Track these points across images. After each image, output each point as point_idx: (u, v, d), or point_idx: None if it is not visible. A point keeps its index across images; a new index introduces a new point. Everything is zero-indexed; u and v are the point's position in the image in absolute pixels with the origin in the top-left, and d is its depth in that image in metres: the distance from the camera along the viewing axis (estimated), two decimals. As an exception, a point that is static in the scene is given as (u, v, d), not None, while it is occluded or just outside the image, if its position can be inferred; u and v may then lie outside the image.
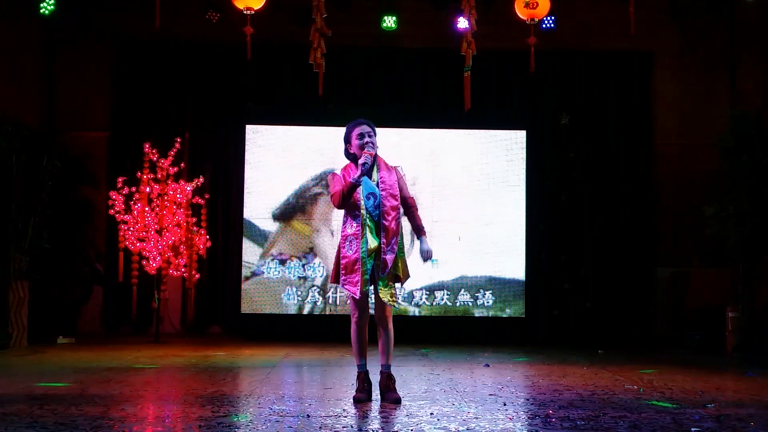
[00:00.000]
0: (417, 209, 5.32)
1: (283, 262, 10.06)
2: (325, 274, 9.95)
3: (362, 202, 5.09)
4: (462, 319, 10.14)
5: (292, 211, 10.17)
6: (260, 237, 10.12)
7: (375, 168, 5.17)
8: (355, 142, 5.16)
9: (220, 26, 10.08)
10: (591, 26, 10.59)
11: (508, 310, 10.15)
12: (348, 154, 5.25)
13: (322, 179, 10.03)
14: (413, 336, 9.42)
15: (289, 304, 10.04)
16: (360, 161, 5.05)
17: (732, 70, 10.64)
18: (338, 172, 5.21)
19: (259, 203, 10.16)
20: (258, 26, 8.39)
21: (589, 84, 10.72)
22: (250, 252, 10.08)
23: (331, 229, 10.01)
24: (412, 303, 10.10)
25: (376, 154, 5.16)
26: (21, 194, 8.97)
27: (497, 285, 10.15)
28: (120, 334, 10.20)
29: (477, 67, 8.15)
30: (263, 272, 10.05)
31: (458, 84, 8.26)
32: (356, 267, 5.04)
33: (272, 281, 10.06)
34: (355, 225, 5.09)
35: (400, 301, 9.81)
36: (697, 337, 9.52)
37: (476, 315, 10.13)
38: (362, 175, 5.04)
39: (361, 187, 5.09)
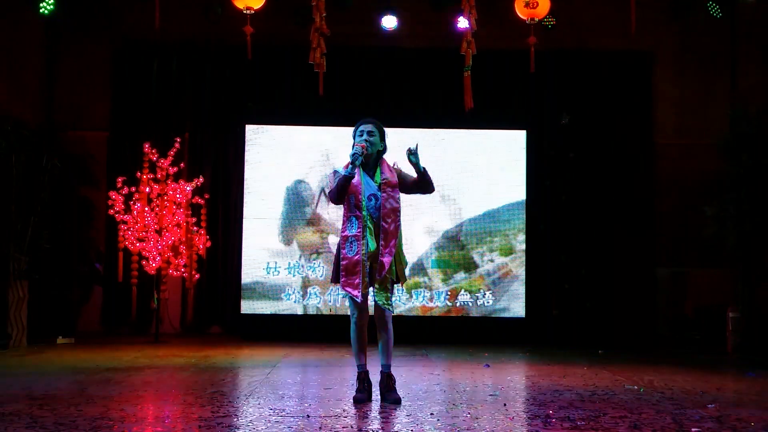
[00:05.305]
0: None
1: (283, 262, 10.05)
2: (325, 275, 9.94)
3: (363, 203, 5.09)
4: (462, 319, 10.14)
5: (293, 210, 10.15)
6: (260, 237, 10.11)
7: (378, 169, 5.18)
8: (356, 139, 5.19)
9: (220, 26, 10.08)
10: (591, 26, 10.59)
11: (508, 310, 10.14)
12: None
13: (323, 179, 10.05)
14: (413, 336, 9.43)
15: (289, 304, 10.04)
16: (350, 153, 5.08)
17: (732, 70, 10.63)
18: (340, 169, 5.22)
19: (259, 203, 10.15)
20: (258, 26, 8.39)
21: (589, 83, 10.70)
22: (250, 252, 10.07)
23: (333, 228, 10.02)
24: (412, 303, 10.09)
25: (378, 154, 5.17)
26: (21, 194, 8.96)
27: (497, 285, 10.14)
28: (120, 334, 10.19)
29: (477, 67, 8.14)
30: (263, 272, 10.04)
31: (458, 84, 8.25)
32: (357, 269, 5.04)
33: (272, 281, 10.06)
34: (356, 226, 5.09)
35: (395, 303, 9.81)
36: (697, 337, 9.53)
37: (476, 315, 10.13)
38: (354, 167, 5.03)
39: (362, 187, 5.09)
